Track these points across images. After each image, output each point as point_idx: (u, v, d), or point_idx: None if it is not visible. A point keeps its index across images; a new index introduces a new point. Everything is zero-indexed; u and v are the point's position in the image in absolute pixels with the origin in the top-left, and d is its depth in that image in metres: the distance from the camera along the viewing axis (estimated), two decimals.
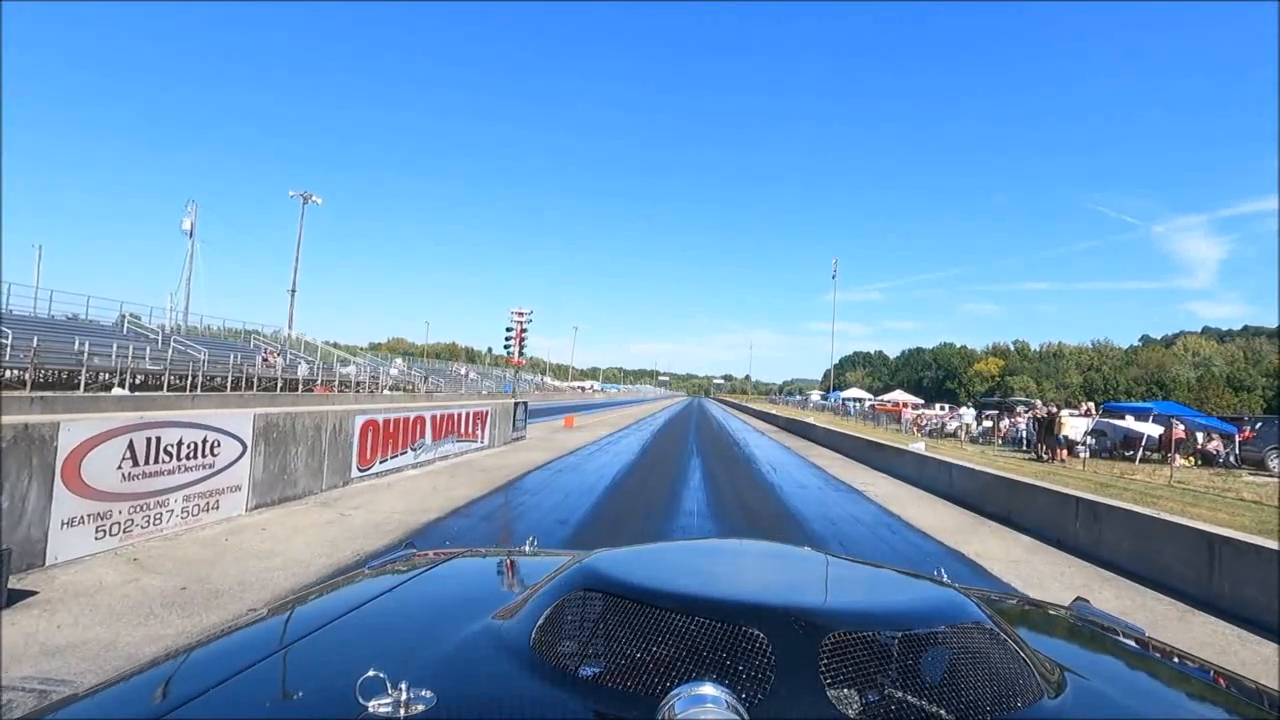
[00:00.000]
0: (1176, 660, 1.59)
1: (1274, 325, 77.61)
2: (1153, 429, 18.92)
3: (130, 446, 5.59)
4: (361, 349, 55.37)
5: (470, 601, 1.48)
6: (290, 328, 43.05)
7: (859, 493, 11.49)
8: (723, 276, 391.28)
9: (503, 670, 1.10)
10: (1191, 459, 18.40)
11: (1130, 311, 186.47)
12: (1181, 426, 18.51)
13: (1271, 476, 15.90)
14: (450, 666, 1.13)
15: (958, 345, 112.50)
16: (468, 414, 13.81)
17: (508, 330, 22.28)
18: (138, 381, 23.19)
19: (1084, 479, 12.73)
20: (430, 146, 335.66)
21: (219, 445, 6.63)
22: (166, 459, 5.96)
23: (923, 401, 56.75)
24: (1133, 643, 1.63)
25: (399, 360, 54.64)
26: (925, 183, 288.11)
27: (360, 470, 9.52)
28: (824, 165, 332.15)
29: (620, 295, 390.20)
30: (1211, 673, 1.50)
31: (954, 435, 26.62)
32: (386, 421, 10.33)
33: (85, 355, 21.70)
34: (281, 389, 29.98)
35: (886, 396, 62.68)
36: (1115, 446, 19.57)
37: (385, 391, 36.71)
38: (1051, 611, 1.93)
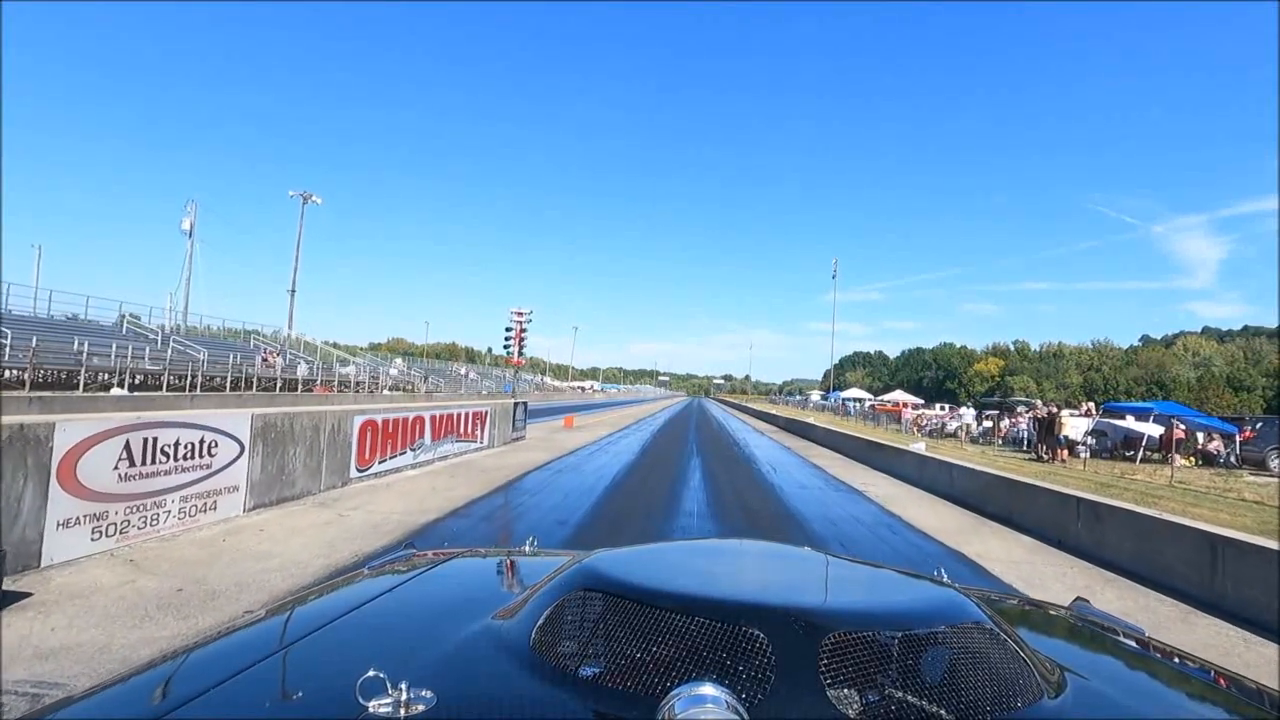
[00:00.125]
0: (1177, 660, 1.58)
1: (1274, 325, 77.77)
2: (1153, 429, 18.90)
3: (127, 447, 5.57)
4: (361, 349, 55.38)
5: (470, 602, 1.48)
6: (290, 328, 43.12)
7: (859, 493, 11.46)
8: (723, 276, 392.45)
9: (503, 670, 1.10)
10: (1192, 459, 18.39)
11: (1130, 311, 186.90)
12: (1182, 427, 18.49)
13: (1272, 477, 15.88)
14: (450, 666, 1.13)
15: (958, 345, 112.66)
16: (467, 414, 13.79)
17: (507, 330, 22.26)
18: (137, 381, 23.16)
19: (1085, 479, 12.71)
20: (430, 146, 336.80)
21: (216, 446, 6.60)
22: (163, 459, 5.94)
23: (923, 401, 56.73)
24: (1133, 643, 1.63)
25: (399, 360, 54.62)
26: (925, 183, 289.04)
27: (359, 470, 9.50)
28: (824, 165, 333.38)
29: (620, 295, 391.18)
30: (1212, 673, 1.49)
31: (954, 435, 26.60)
32: (385, 422, 10.30)
33: (84, 355, 21.69)
34: (281, 389, 29.97)
35: (886, 396, 62.64)
36: (1115, 446, 19.55)
37: (385, 391, 36.68)
38: (1051, 611, 1.93)
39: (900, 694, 1.02)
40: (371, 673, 0.92)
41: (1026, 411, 24.73)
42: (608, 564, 1.38)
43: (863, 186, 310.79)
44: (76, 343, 22.46)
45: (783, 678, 0.99)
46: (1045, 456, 17.57)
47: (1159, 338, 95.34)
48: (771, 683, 0.98)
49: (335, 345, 48.49)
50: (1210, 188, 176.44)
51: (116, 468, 5.47)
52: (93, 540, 5.22)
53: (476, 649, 1.18)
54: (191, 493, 6.27)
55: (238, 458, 6.92)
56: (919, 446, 17.05)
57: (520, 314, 22.11)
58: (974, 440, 24.82)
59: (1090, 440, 18.67)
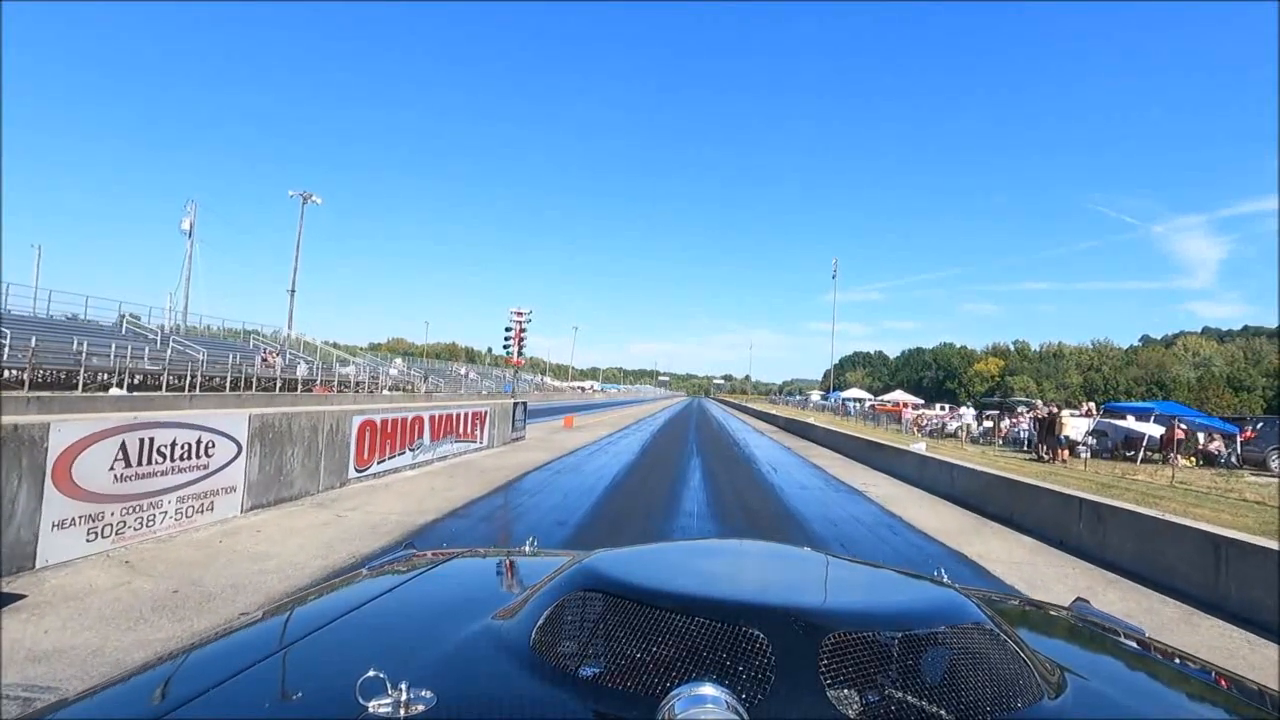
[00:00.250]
0: (1177, 661, 1.58)
1: (1274, 325, 77.82)
2: (1154, 429, 18.90)
3: (123, 447, 5.53)
4: (361, 349, 55.40)
5: (470, 602, 1.48)
6: (289, 328, 43.10)
7: (860, 493, 11.43)
8: (723, 276, 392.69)
9: (503, 670, 1.11)
10: (1193, 459, 18.39)
11: (1130, 311, 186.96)
12: (1183, 427, 18.48)
13: (1273, 477, 15.87)
14: (450, 667, 1.13)
15: (958, 345, 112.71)
16: (467, 414, 13.76)
17: (507, 330, 22.25)
18: (136, 382, 23.15)
19: (1085, 479, 12.68)
20: (430, 146, 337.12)
21: (213, 446, 6.57)
22: (160, 460, 5.90)
23: (923, 402, 56.74)
24: (1133, 643, 1.63)
25: (398, 360, 54.63)
26: (925, 183, 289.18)
27: (358, 471, 9.47)
28: (824, 165, 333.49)
29: (620, 295, 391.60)
30: (1213, 673, 1.49)
31: (954, 435, 26.61)
32: (384, 422, 10.27)
33: (84, 355, 21.68)
34: (281, 389, 29.96)
35: (886, 397, 62.62)
36: (1116, 447, 19.55)
37: (385, 392, 36.67)
38: (1052, 612, 1.93)
39: (900, 694, 1.02)
40: (371, 673, 0.92)
41: (1027, 412, 24.73)
42: (608, 564, 1.38)
43: (863, 186, 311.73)
44: (76, 343, 22.44)
45: (783, 678, 0.99)
46: (1046, 457, 17.56)
47: (1159, 338, 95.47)
48: (771, 683, 0.98)
49: (335, 345, 48.53)
50: (1210, 188, 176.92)
51: (112, 468, 5.43)
52: (88, 541, 5.19)
53: (476, 649, 1.18)
54: (188, 493, 6.24)
55: (235, 458, 6.89)
56: (919, 447, 17.02)
57: (520, 314, 22.09)
58: (974, 440, 24.83)
59: (1091, 440, 18.67)
